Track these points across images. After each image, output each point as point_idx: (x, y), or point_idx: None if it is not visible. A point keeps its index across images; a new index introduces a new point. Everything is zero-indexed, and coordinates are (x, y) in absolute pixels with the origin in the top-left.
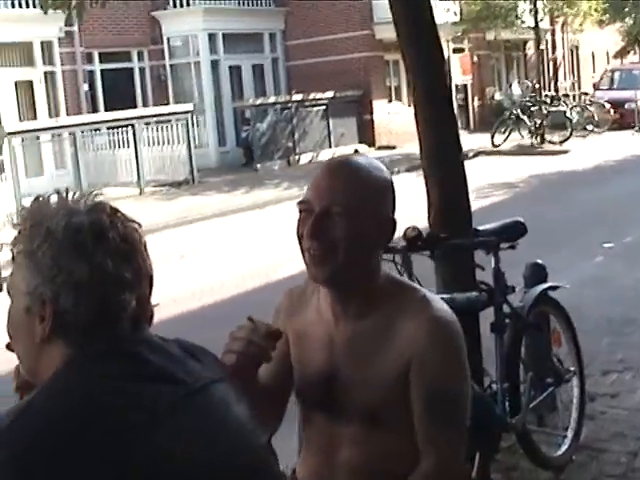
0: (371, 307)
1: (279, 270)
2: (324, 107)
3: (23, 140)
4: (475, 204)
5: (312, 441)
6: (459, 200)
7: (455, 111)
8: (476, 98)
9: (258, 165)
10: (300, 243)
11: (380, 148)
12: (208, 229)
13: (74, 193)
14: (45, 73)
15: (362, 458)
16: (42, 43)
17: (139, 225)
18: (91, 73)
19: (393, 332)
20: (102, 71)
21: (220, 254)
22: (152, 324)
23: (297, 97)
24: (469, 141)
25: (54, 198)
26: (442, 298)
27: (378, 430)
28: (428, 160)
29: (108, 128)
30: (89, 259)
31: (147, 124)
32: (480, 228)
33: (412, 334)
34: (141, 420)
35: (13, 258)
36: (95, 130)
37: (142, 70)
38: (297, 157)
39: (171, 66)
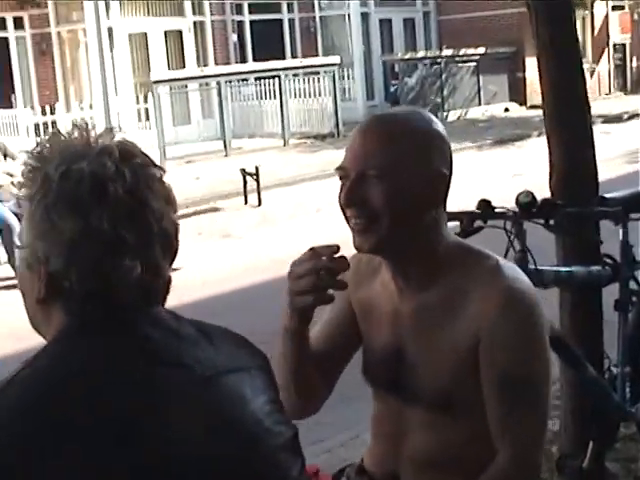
0: (435, 277)
1: None
2: (475, 63)
3: (171, 89)
4: (621, 169)
5: (379, 427)
6: (584, 164)
7: (611, 71)
8: (635, 58)
9: None
10: (343, 212)
11: (531, 107)
12: None
13: (95, 130)
14: (194, 23)
15: (430, 447)
16: None
17: (161, 171)
18: (240, 24)
19: (460, 305)
20: (251, 22)
21: None
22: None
23: (447, 52)
24: (625, 103)
25: (74, 134)
26: (559, 271)
27: (448, 415)
28: (551, 119)
29: (256, 79)
30: (84, 215)
31: (295, 76)
32: (607, 196)
33: (481, 307)
34: (126, 404)
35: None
36: (243, 80)
37: (291, 22)
38: (445, 113)
39: (321, 18)
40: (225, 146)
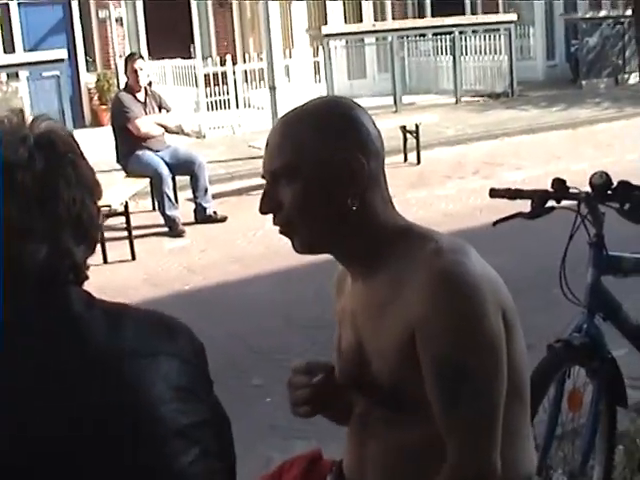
0: (377, 264)
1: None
2: None
3: (347, 42)
4: None
5: (351, 429)
6: None
7: None
8: None
9: (583, 82)
10: None
11: None
12: (511, 145)
13: (30, 116)
14: None
15: (387, 450)
16: None
17: (84, 160)
18: None
19: (398, 291)
20: None
21: (511, 172)
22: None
23: (630, 12)
24: None
25: (9, 118)
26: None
27: (400, 414)
28: None
29: (433, 35)
30: None
31: (474, 32)
32: None
33: (416, 294)
34: None
35: None
36: (420, 36)
37: None
38: (626, 76)
39: None
40: (395, 102)
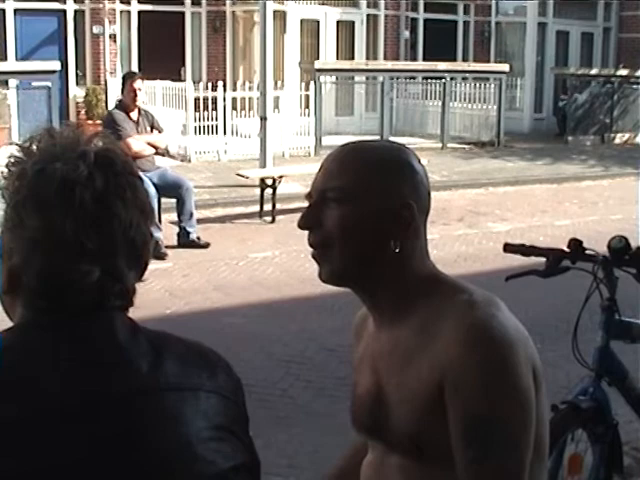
0: (408, 311)
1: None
2: None
3: (337, 79)
4: None
5: (365, 475)
6: None
7: None
8: None
9: (570, 137)
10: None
11: None
12: (496, 195)
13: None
14: (368, 16)
15: None
16: None
17: (140, 181)
18: (414, 21)
19: (428, 341)
20: (425, 20)
21: (495, 223)
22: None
23: (623, 72)
24: None
25: (65, 133)
26: None
27: (420, 462)
28: None
29: (423, 78)
30: (48, 216)
31: (464, 79)
32: None
33: (446, 343)
34: (41, 404)
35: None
36: (411, 78)
37: (466, 24)
38: (612, 135)
39: (497, 23)
40: None
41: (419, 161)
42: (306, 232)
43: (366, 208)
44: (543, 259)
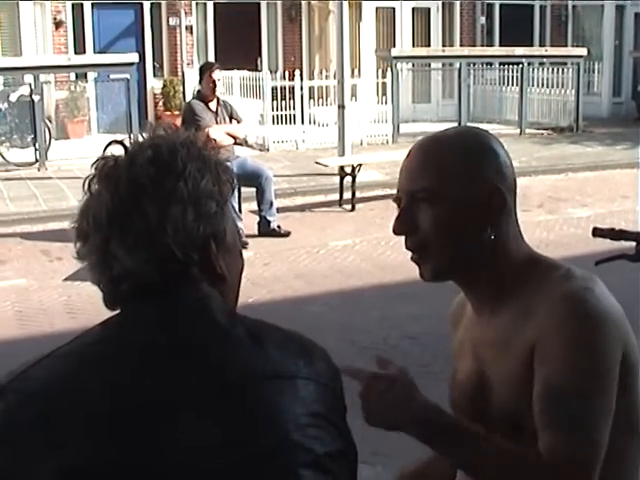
0: (506, 295)
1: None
2: None
3: (414, 65)
4: None
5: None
6: None
7: None
8: None
9: None
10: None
11: None
12: (575, 181)
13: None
14: (443, 3)
15: None
16: None
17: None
18: (490, 6)
19: (525, 320)
20: (501, 5)
21: (575, 208)
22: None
23: None
24: None
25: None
26: None
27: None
28: None
29: (500, 64)
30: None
31: (541, 64)
32: None
33: (541, 318)
34: (141, 399)
35: None
36: (487, 64)
37: (543, 8)
38: None
39: (573, 7)
40: None
41: (499, 142)
42: (384, 219)
43: (457, 202)
44: (630, 245)
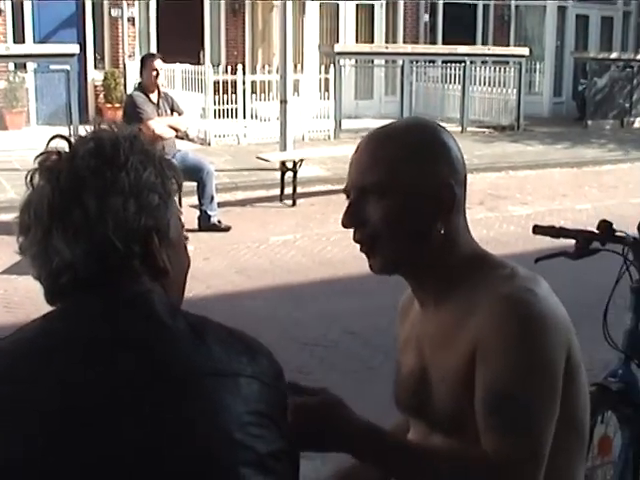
0: (451, 291)
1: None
2: None
3: (356, 62)
4: None
5: None
6: None
7: None
8: None
9: (589, 121)
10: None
11: None
12: (516, 179)
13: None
14: (387, 0)
15: None
16: None
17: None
18: (434, 5)
19: (467, 317)
20: (445, 4)
21: (515, 206)
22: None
23: None
24: None
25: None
26: None
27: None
28: None
29: (443, 62)
30: None
31: (483, 63)
32: None
33: (482, 318)
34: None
35: None
36: (430, 62)
37: (486, 7)
38: (631, 119)
39: (516, 7)
40: None
41: (450, 135)
42: (325, 215)
43: (408, 197)
44: (569, 242)
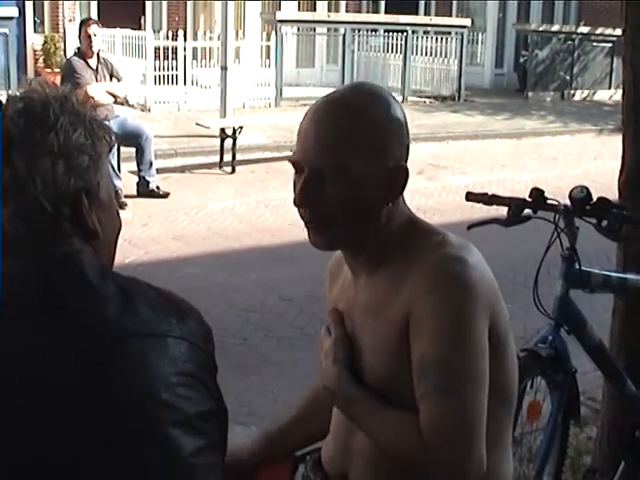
0: (384, 259)
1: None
2: (611, 44)
3: (299, 30)
4: None
5: (335, 422)
6: None
7: None
8: None
9: (530, 93)
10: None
11: None
12: (456, 149)
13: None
14: None
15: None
16: None
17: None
18: None
19: (399, 285)
20: None
21: (455, 176)
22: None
23: (584, 29)
24: None
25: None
26: (609, 276)
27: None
28: (629, 111)
29: (385, 31)
30: None
31: (425, 33)
32: None
33: (414, 283)
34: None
35: None
36: (372, 31)
37: None
38: (572, 92)
39: None
40: None
41: (398, 103)
42: (265, 182)
43: (364, 180)
44: (504, 211)
